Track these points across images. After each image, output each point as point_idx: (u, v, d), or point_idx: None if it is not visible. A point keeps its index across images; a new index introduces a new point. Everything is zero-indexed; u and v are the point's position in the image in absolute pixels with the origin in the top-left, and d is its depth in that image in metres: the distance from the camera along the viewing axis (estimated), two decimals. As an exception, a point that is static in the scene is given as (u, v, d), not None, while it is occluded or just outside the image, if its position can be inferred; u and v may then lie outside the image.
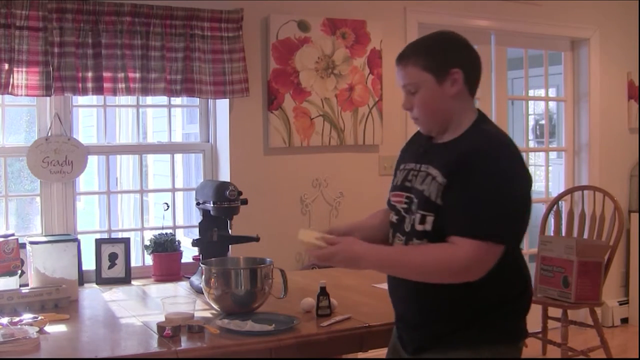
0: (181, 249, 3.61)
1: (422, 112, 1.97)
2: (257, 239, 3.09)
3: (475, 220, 1.80)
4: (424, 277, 1.88)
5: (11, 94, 3.26)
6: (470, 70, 1.95)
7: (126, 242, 3.53)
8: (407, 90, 1.98)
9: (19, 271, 2.93)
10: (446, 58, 1.92)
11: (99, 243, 3.49)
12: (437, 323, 1.93)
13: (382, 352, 2.22)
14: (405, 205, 1.98)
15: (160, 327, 2.23)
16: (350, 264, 1.95)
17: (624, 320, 5.26)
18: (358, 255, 1.92)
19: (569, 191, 4.79)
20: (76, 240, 3.13)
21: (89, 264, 3.45)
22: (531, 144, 7.92)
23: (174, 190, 3.93)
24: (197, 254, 3.16)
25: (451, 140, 1.96)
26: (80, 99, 3.85)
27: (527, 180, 1.89)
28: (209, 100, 3.87)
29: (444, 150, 1.95)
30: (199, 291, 2.81)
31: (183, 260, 3.59)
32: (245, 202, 3.04)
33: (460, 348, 1.90)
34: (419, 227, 1.90)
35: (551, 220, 4.58)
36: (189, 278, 3.16)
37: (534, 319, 4.57)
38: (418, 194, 1.93)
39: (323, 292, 2.46)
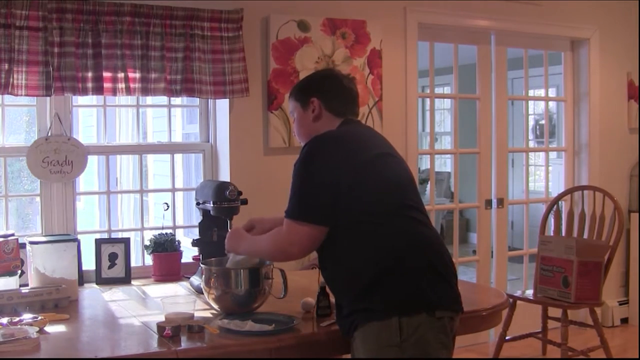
0: (181, 249, 3.61)
1: (295, 132, 2.48)
2: (257, 239, 3.09)
3: (288, 203, 2.19)
4: (269, 259, 2.49)
5: (11, 94, 3.26)
6: (329, 97, 2.37)
7: (126, 242, 3.53)
8: (292, 117, 2.47)
9: (19, 271, 2.93)
10: (307, 90, 2.41)
11: (99, 243, 3.49)
12: (344, 300, 2.19)
13: (382, 352, 2.21)
14: None
15: (160, 327, 2.23)
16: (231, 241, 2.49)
17: (624, 320, 5.26)
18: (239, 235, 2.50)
19: (569, 191, 4.79)
20: (76, 240, 3.14)
21: (89, 264, 3.45)
22: (531, 144, 7.94)
23: (174, 190, 3.93)
24: (197, 254, 3.16)
25: None
26: (80, 99, 3.85)
27: (325, 156, 2.19)
28: (209, 100, 3.87)
29: None
30: (199, 291, 2.81)
31: (183, 260, 3.59)
32: (245, 202, 3.04)
33: (371, 320, 2.08)
34: None
35: (551, 220, 4.58)
36: (189, 278, 3.16)
37: (534, 319, 4.59)
38: None
39: (323, 292, 2.47)
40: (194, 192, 3.37)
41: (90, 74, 3.39)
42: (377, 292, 2.08)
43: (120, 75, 3.44)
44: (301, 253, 2.20)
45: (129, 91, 3.48)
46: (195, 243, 3.07)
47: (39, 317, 2.39)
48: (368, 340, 2.08)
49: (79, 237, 3.44)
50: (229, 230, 2.75)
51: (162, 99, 3.90)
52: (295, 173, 2.20)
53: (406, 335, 2.04)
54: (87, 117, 7.01)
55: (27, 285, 2.89)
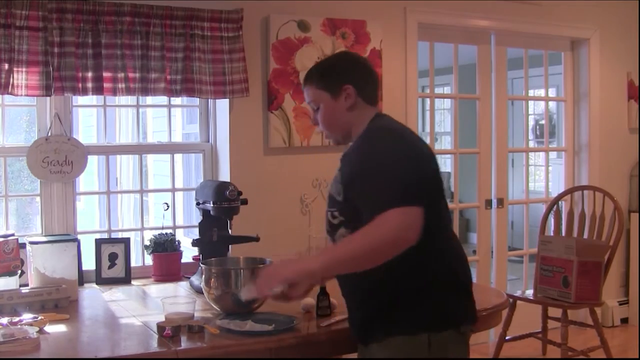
0: (181, 249, 3.61)
1: (324, 125, 2.24)
2: (257, 239, 3.10)
3: (380, 195, 1.93)
4: (371, 258, 1.93)
5: (11, 94, 3.25)
6: (362, 84, 2.18)
7: (126, 242, 3.53)
8: (311, 107, 2.26)
9: (19, 271, 2.94)
10: (338, 76, 2.19)
11: (99, 243, 3.49)
12: (367, 311, 2.06)
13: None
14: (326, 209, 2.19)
15: (160, 327, 2.23)
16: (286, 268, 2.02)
17: (624, 320, 5.26)
18: (304, 266, 2.01)
19: (569, 191, 4.79)
20: (76, 240, 3.14)
21: (89, 264, 3.45)
22: (531, 144, 7.94)
23: (174, 190, 3.93)
24: (197, 254, 3.16)
25: (352, 143, 2.20)
26: (80, 99, 3.85)
27: (403, 144, 2.04)
28: (209, 100, 3.87)
29: (345, 152, 2.18)
30: (199, 291, 2.81)
31: (183, 260, 3.58)
32: (245, 202, 3.04)
33: (396, 334, 2.00)
34: (334, 221, 2.11)
35: (551, 220, 4.58)
36: (189, 278, 3.16)
37: (534, 319, 4.59)
38: (328, 196, 2.17)
39: (323, 292, 2.47)
40: (194, 192, 3.37)
41: (90, 74, 3.38)
42: (406, 305, 2.01)
43: (120, 75, 3.44)
44: (417, 237, 1.91)
45: (129, 91, 3.48)
46: (195, 243, 3.07)
47: (39, 317, 2.39)
48: (391, 353, 2.01)
49: (79, 237, 3.43)
50: (264, 269, 2.26)
51: (162, 99, 3.90)
52: (375, 160, 1.99)
53: (434, 352, 1.99)
54: (87, 117, 7.01)
55: (27, 285, 2.89)
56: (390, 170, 1.97)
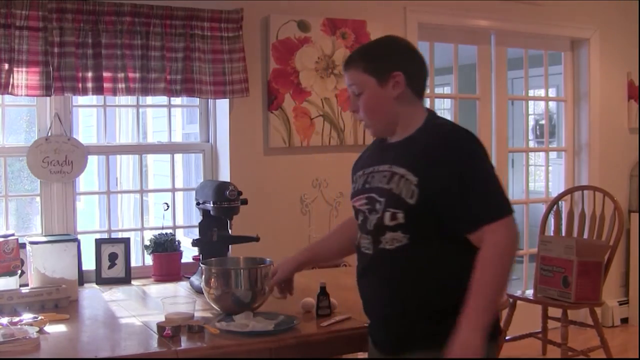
0: (181, 249, 3.61)
1: (366, 112, 2.05)
2: (257, 239, 3.09)
3: (489, 204, 1.89)
4: (506, 280, 1.89)
5: (11, 94, 3.26)
6: (412, 73, 2.02)
7: (126, 242, 3.53)
8: (352, 91, 2.06)
9: (19, 271, 2.94)
10: (387, 61, 2.01)
11: (99, 243, 3.49)
12: (420, 322, 1.94)
13: (382, 352, 2.21)
14: (367, 206, 2.02)
15: (160, 327, 2.23)
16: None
17: (624, 320, 5.26)
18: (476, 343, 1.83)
19: (569, 191, 4.79)
20: (76, 240, 3.14)
21: (89, 264, 3.45)
22: (531, 144, 7.92)
23: (174, 190, 3.93)
24: (197, 254, 3.16)
25: (407, 138, 2.02)
26: (80, 99, 3.85)
27: (485, 150, 2.00)
28: (209, 100, 3.87)
29: (402, 148, 2.01)
30: (199, 291, 2.81)
31: (183, 260, 3.59)
32: (245, 202, 3.04)
33: (442, 346, 1.89)
34: (390, 223, 1.95)
35: (551, 220, 4.58)
36: (189, 278, 3.16)
37: (534, 319, 4.58)
38: (383, 193, 1.97)
39: (323, 292, 2.47)
40: (194, 192, 3.37)
41: (90, 74, 3.39)
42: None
43: (120, 75, 3.44)
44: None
45: (129, 91, 3.48)
46: (195, 243, 3.07)
47: (39, 317, 2.39)
48: None
49: (79, 237, 3.44)
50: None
51: (162, 99, 3.90)
52: (475, 170, 1.91)
53: None
54: (87, 117, 7.00)
55: (27, 285, 2.89)
56: (491, 179, 1.92)
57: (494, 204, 1.90)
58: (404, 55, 2.04)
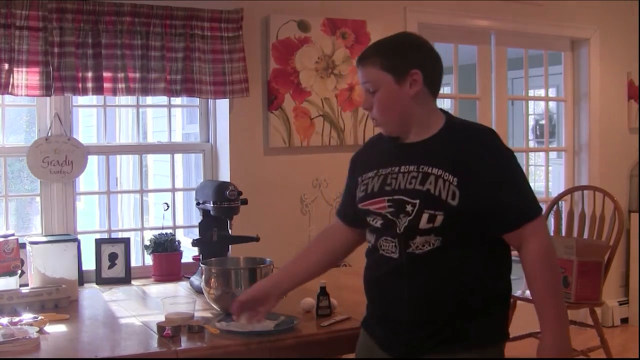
0: (181, 249, 3.61)
1: (381, 111, 1.99)
2: (257, 239, 3.10)
3: (528, 202, 1.91)
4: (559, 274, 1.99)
5: (11, 94, 3.25)
6: (430, 71, 1.96)
7: (126, 242, 3.53)
8: (366, 88, 2.00)
9: (19, 271, 2.94)
10: (406, 59, 1.94)
11: (99, 243, 3.49)
12: (436, 323, 1.92)
13: (382, 352, 2.21)
14: (391, 209, 1.94)
15: (160, 327, 2.23)
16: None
17: (624, 320, 5.26)
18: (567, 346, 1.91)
19: (569, 191, 4.79)
20: (76, 240, 3.14)
21: (89, 264, 3.45)
22: (531, 144, 7.93)
23: (174, 190, 3.93)
24: (197, 254, 3.16)
25: (431, 138, 1.96)
26: (80, 99, 3.85)
27: None
28: (209, 100, 3.87)
29: (430, 148, 1.95)
30: (199, 291, 2.81)
31: (183, 260, 3.58)
32: (245, 202, 3.04)
33: (465, 348, 1.90)
34: (425, 226, 1.87)
35: (551, 220, 4.58)
36: (189, 278, 3.16)
37: (533, 319, 4.57)
38: (417, 194, 1.89)
39: (323, 292, 2.47)
40: (194, 192, 3.37)
41: (90, 74, 3.38)
42: (487, 318, 1.92)
43: (120, 75, 3.44)
44: None
45: (129, 91, 3.48)
46: (195, 243, 3.07)
47: (39, 317, 2.39)
48: None
49: (79, 237, 3.43)
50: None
51: (162, 99, 3.90)
52: (513, 169, 1.92)
53: None
54: (87, 117, 7.00)
55: (27, 285, 2.89)
56: (525, 178, 1.94)
57: (531, 201, 1.92)
58: (422, 53, 1.98)
